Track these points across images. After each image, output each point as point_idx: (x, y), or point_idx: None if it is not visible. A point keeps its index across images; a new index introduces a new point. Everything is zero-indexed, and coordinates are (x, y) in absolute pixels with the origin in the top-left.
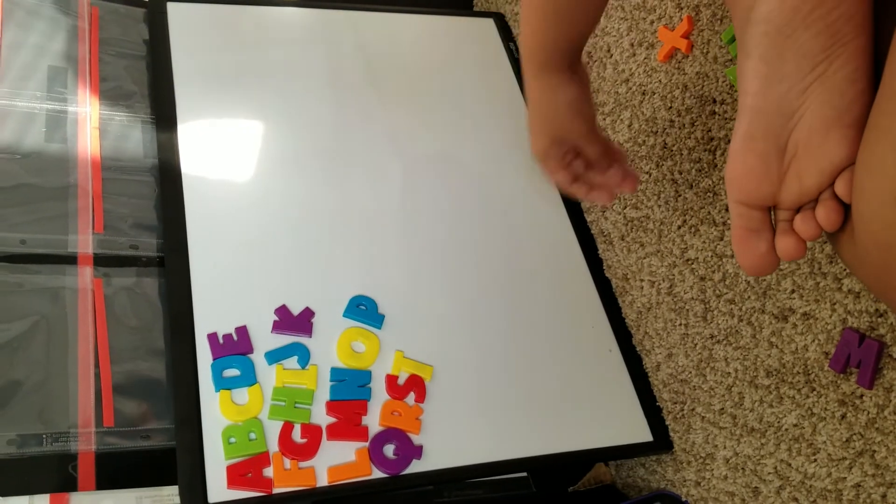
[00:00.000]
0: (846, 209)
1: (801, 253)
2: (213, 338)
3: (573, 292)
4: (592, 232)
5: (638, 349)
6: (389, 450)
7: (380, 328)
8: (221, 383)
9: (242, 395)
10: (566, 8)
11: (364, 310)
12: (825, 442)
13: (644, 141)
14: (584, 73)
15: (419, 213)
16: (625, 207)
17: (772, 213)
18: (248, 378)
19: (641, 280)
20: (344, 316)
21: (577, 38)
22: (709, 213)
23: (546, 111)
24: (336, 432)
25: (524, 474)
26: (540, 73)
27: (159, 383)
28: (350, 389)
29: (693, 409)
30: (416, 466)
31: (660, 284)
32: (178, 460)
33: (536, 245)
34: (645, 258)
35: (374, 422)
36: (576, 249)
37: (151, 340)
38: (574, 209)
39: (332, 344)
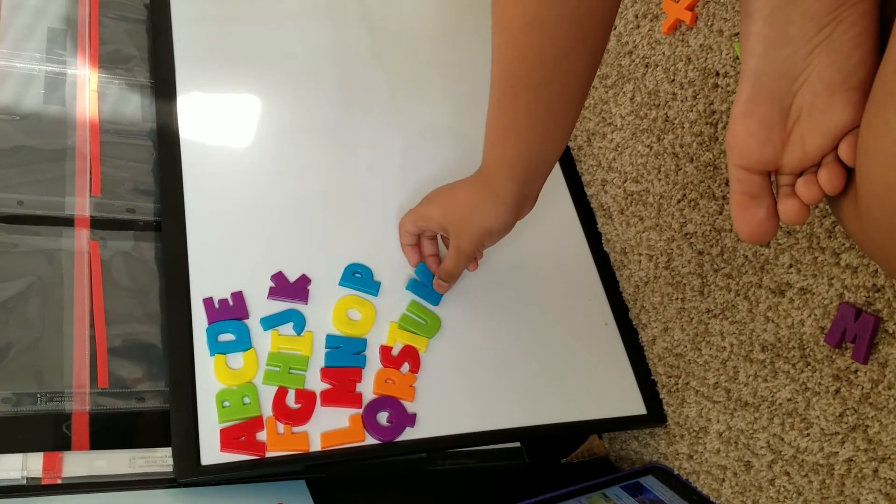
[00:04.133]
0: (849, 173)
1: (804, 217)
2: (208, 302)
3: (571, 265)
4: (592, 206)
5: (634, 323)
6: (383, 417)
7: (376, 296)
8: (216, 347)
9: (237, 359)
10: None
11: (360, 278)
12: (818, 417)
13: (646, 114)
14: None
15: (420, 185)
16: (625, 181)
17: (772, 178)
18: (244, 343)
19: (639, 254)
20: (340, 284)
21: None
22: (708, 187)
23: (501, 218)
24: (330, 398)
25: (517, 444)
26: (530, 183)
27: (154, 347)
28: (345, 356)
29: (687, 384)
30: (409, 434)
31: (658, 258)
32: (172, 422)
33: (535, 218)
34: (644, 232)
35: (367, 389)
36: (575, 223)
37: (147, 304)
38: (574, 183)
39: (328, 311)
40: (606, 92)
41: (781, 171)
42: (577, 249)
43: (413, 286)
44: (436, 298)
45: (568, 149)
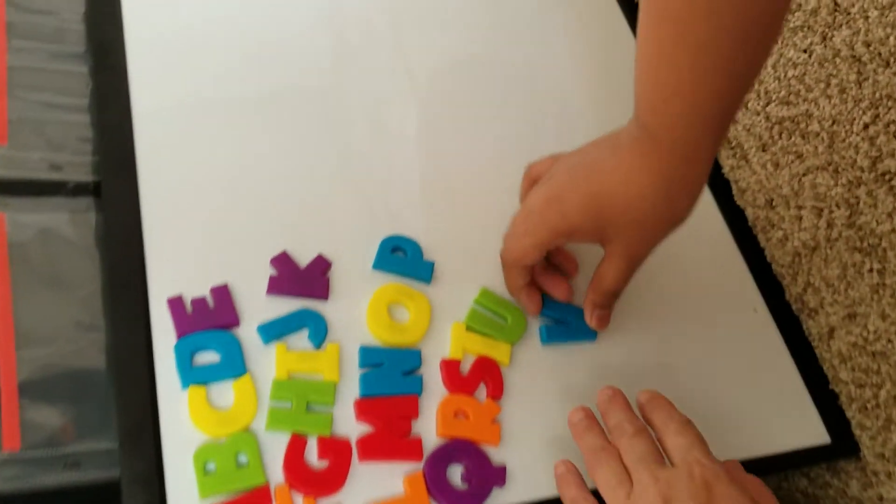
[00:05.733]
0: None
1: None
2: (176, 304)
3: (692, 230)
4: None
5: (795, 308)
6: (456, 473)
7: (429, 283)
8: (192, 375)
9: (225, 392)
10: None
11: (404, 256)
12: None
13: (800, 3)
14: None
15: (478, 125)
16: (768, 104)
17: None
18: (234, 366)
19: (799, 207)
20: (374, 267)
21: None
22: None
23: (695, 196)
24: (373, 448)
25: None
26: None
27: (93, 377)
28: (390, 379)
29: (894, 396)
30: (498, 498)
31: (833, 212)
32: (125, 500)
33: None
34: (806, 175)
35: (429, 429)
36: None
37: (81, 309)
38: None
39: (360, 310)
40: None
41: None
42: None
43: (548, 335)
44: (591, 335)
45: None
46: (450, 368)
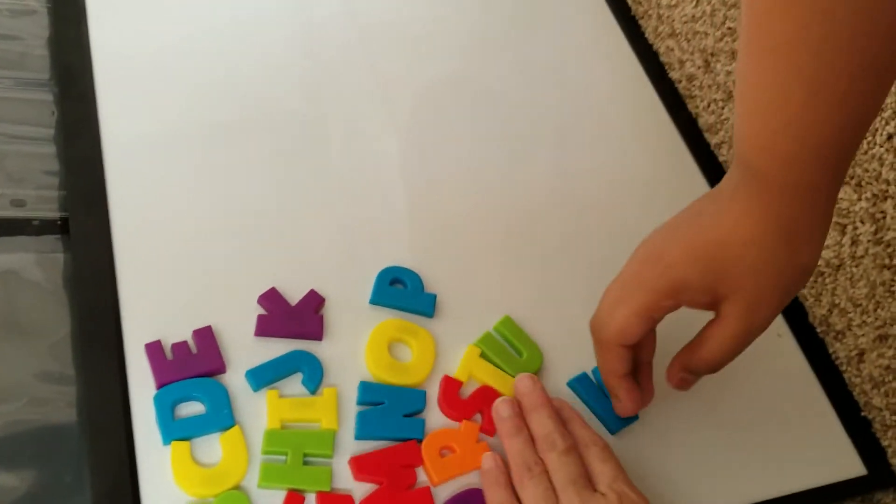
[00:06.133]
0: None
1: None
2: (154, 350)
3: None
4: (723, 159)
5: (820, 331)
6: None
7: (431, 316)
8: (174, 429)
9: (212, 447)
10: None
11: (403, 289)
12: None
13: None
14: None
15: (486, 142)
16: None
17: None
18: (221, 417)
19: None
20: (372, 302)
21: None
22: None
23: (820, 243)
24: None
25: None
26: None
27: (64, 434)
28: (390, 420)
29: None
30: None
31: (857, 227)
32: None
33: (639, 152)
34: None
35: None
36: (703, 188)
37: (49, 359)
38: (688, 129)
39: (359, 349)
40: None
41: None
42: None
43: (588, 397)
44: (617, 424)
45: (671, 80)
46: (449, 386)
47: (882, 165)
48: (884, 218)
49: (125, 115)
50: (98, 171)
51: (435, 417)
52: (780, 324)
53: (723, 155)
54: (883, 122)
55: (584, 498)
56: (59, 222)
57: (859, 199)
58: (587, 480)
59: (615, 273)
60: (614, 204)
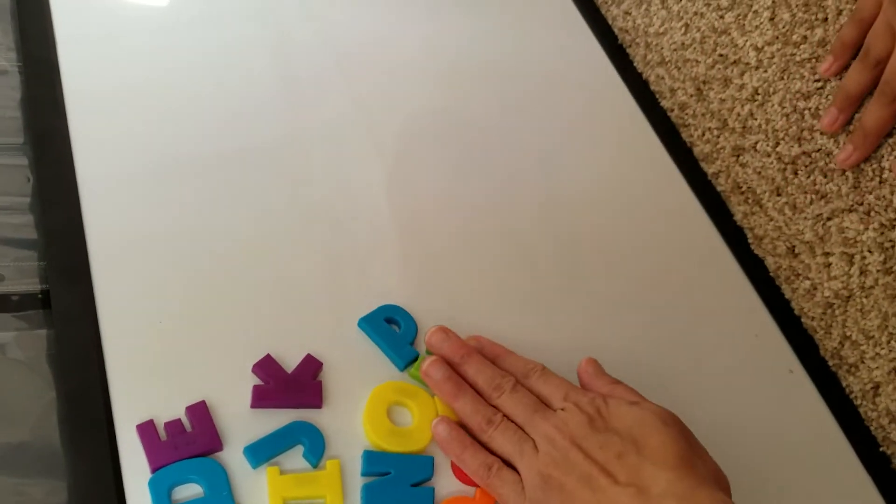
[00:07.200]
0: None
1: None
2: (146, 430)
3: (709, 283)
4: (721, 189)
5: (832, 364)
6: None
7: (401, 370)
8: None
9: None
10: None
11: (396, 332)
12: None
13: (805, 36)
14: None
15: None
16: (777, 144)
17: None
18: (220, 498)
19: (827, 253)
20: (360, 325)
21: None
22: None
23: None
24: None
25: None
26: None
27: None
28: (398, 492)
29: None
30: None
31: (865, 257)
32: None
33: (642, 201)
34: (831, 218)
35: None
36: (700, 216)
37: (31, 445)
38: (682, 155)
39: (359, 415)
40: (721, 17)
41: None
42: (710, 257)
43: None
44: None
45: (663, 109)
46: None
47: (893, 194)
48: (892, 247)
49: (107, 181)
50: (79, 241)
51: (444, 483)
52: (790, 358)
53: (720, 185)
54: (888, 147)
55: (550, 420)
56: (39, 296)
57: (866, 229)
58: (543, 405)
59: (610, 305)
60: (609, 234)
